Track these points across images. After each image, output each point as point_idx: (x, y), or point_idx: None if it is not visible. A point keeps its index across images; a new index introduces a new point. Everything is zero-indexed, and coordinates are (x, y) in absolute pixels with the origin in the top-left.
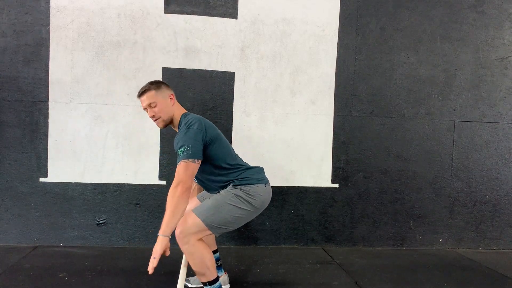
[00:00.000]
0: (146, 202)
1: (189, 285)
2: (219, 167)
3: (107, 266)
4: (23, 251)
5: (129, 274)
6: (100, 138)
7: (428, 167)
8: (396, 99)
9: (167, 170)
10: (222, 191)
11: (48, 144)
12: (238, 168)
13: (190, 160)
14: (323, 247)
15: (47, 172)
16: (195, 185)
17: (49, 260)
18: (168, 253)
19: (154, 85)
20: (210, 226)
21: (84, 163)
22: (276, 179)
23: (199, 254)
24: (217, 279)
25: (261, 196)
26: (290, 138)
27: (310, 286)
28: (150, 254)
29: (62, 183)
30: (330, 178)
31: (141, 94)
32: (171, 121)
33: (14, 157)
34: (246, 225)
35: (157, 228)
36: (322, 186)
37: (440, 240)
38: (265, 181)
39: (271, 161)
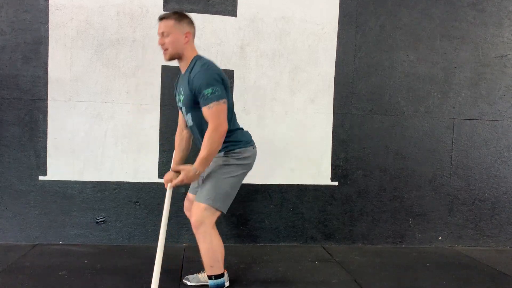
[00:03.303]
0: (145, 200)
1: (188, 283)
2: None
3: (106, 264)
4: (22, 250)
5: (129, 272)
6: (100, 136)
7: (428, 165)
8: (395, 97)
9: (166, 168)
10: (212, 167)
11: (47, 142)
12: (233, 130)
13: (221, 101)
14: (323, 245)
15: (46, 171)
16: (185, 137)
17: (48, 258)
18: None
19: (176, 15)
20: (217, 206)
21: (83, 161)
22: (275, 177)
23: (212, 244)
24: (222, 275)
25: (250, 158)
26: (289, 136)
27: (309, 284)
28: (150, 253)
29: (61, 181)
30: (330, 176)
31: (161, 18)
32: (178, 57)
33: (13, 155)
34: (246, 223)
35: (157, 226)
36: (322, 184)
37: (439, 238)
38: (252, 143)
39: (271, 159)
